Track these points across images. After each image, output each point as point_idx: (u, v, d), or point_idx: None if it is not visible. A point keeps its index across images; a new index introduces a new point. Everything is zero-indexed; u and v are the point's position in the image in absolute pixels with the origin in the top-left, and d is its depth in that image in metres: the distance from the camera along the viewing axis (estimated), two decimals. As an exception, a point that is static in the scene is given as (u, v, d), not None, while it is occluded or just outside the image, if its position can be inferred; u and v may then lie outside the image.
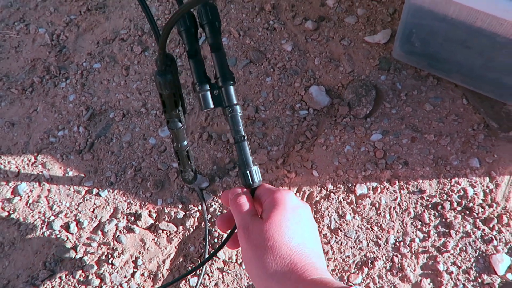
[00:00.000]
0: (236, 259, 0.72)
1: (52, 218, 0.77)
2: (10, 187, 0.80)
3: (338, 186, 0.78)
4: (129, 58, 0.94)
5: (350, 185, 0.78)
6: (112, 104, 0.89)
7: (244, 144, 0.45)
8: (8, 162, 0.83)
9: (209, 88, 0.46)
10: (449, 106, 0.85)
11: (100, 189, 0.79)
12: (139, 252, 0.73)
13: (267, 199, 0.44)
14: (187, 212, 0.77)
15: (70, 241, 0.74)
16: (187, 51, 0.46)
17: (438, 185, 0.77)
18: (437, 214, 0.75)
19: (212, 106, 0.45)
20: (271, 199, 0.44)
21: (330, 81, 0.89)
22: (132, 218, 0.77)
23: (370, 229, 0.74)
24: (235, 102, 0.45)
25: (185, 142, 0.65)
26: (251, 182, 0.45)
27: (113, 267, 0.72)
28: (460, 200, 0.76)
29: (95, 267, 0.72)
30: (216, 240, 0.73)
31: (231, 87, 0.46)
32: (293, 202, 0.44)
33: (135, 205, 0.78)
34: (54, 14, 1.02)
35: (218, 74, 0.46)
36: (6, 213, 0.77)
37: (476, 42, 0.72)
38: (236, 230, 0.47)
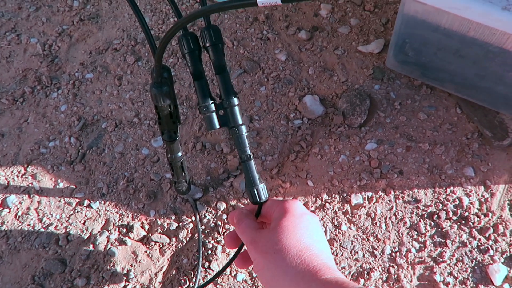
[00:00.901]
0: (230, 271, 0.71)
1: (42, 230, 0.75)
2: (-1, 199, 0.78)
3: (333, 196, 0.77)
4: (122, 68, 0.94)
5: (345, 195, 0.77)
6: (105, 114, 0.88)
7: (250, 163, 0.46)
8: (-3, 174, 0.81)
9: (214, 109, 0.46)
10: (443, 115, 0.85)
11: (91, 201, 0.78)
12: (131, 265, 0.72)
13: (275, 209, 0.45)
14: (180, 224, 0.75)
15: (60, 254, 0.73)
16: (191, 73, 0.46)
17: (433, 194, 0.77)
18: (433, 223, 0.74)
19: (218, 126, 0.46)
20: (279, 209, 0.45)
21: (324, 90, 0.89)
22: (124, 230, 0.75)
23: (366, 239, 0.73)
24: (240, 122, 0.46)
25: (180, 154, 0.64)
26: (258, 199, 0.46)
27: (104, 280, 0.70)
28: (455, 210, 0.75)
29: (85, 281, 0.70)
30: (210, 251, 0.72)
31: (236, 107, 0.46)
32: (300, 210, 0.45)
33: (127, 216, 0.76)
34: (46, 24, 1.01)
35: (223, 95, 0.46)
36: (-5, 226, 0.76)
37: (469, 51, 0.73)
38: (244, 248, 0.49)
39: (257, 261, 0.43)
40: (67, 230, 0.75)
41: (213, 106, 0.46)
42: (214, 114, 0.46)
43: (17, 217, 0.77)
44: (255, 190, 0.46)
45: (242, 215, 0.47)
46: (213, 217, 0.76)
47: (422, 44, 0.78)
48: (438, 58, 0.79)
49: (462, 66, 0.77)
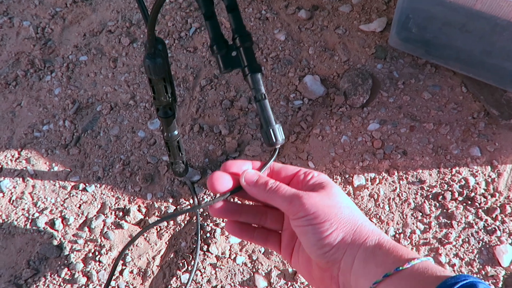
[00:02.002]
0: (229, 255, 0.69)
1: (37, 215, 0.73)
2: (-8, 183, 0.77)
3: (335, 178, 0.75)
4: (117, 50, 0.91)
5: (347, 176, 0.75)
6: (100, 97, 0.86)
7: (265, 102, 0.43)
8: (-9, 158, 0.79)
9: (226, 49, 0.44)
10: (448, 94, 0.82)
11: (87, 184, 0.76)
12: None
13: (308, 174, 0.41)
14: (178, 207, 0.73)
15: (55, 239, 0.71)
16: (203, 14, 0.45)
17: (438, 175, 0.75)
18: (438, 204, 0.72)
19: (230, 67, 0.43)
20: (319, 177, 0.41)
21: (325, 70, 0.86)
22: (121, 213, 0.73)
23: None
24: (254, 61, 0.43)
25: (176, 132, 0.62)
26: (274, 141, 0.41)
27: (101, 264, 0.68)
28: (461, 190, 0.73)
29: (82, 265, 0.68)
30: (208, 234, 0.70)
31: (249, 47, 0.44)
32: None
33: (124, 200, 0.74)
34: (39, 6, 0.99)
35: (235, 34, 0.44)
36: (-12, 211, 0.74)
37: (476, 26, 0.70)
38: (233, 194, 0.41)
39: (319, 212, 0.37)
40: (62, 214, 0.73)
41: (225, 46, 0.44)
42: (226, 55, 0.44)
43: (11, 202, 0.75)
44: (270, 130, 0.41)
45: (266, 179, 0.40)
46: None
47: (426, 19, 0.75)
48: (443, 34, 0.76)
49: (468, 42, 0.74)
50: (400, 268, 0.33)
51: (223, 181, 0.40)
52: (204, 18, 0.44)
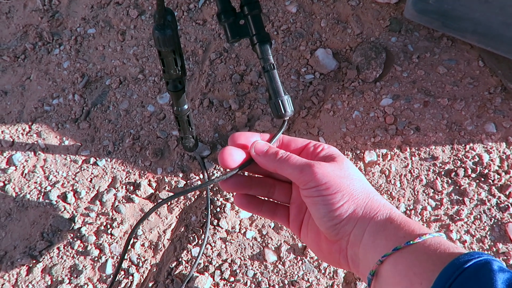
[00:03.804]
0: (239, 229, 0.69)
1: (49, 188, 0.74)
2: (5, 157, 0.77)
3: (346, 153, 0.74)
4: (125, 23, 0.90)
5: (358, 152, 0.74)
6: (108, 71, 0.85)
7: (274, 73, 0.41)
8: (2, 132, 0.80)
9: (234, 18, 0.42)
10: (464, 68, 0.80)
11: (97, 158, 0.76)
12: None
13: (317, 147, 0.40)
14: (188, 181, 0.74)
15: (68, 212, 0.72)
16: None
17: (451, 151, 0.73)
18: (450, 181, 0.71)
19: (238, 36, 0.42)
20: (329, 150, 0.40)
21: (338, 43, 0.84)
22: (131, 187, 0.74)
23: (380, 197, 0.71)
24: (263, 29, 0.42)
25: (186, 106, 0.61)
26: (283, 112, 0.40)
27: (113, 237, 0.69)
28: (475, 167, 0.72)
29: (94, 238, 0.69)
30: (218, 209, 0.70)
31: (258, 15, 0.42)
32: None
33: (134, 174, 0.75)
34: (45, -23, 0.97)
35: (243, 2, 0.42)
36: (1, 184, 0.75)
37: (497, -4, 0.67)
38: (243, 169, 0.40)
39: (331, 183, 0.35)
40: (74, 187, 0.74)
41: (232, 14, 0.43)
42: (234, 23, 0.43)
43: (23, 175, 0.75)
44: (279, 101, 0.40)
45: (276, 149, 0.39)
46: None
47: (445, -11, 0.72)
48: (461, 5, 0.73)
49: (488, 13, 0.71)
50: (411, 242, 0.33)
51: (234, 156, 0.39)
52: None
